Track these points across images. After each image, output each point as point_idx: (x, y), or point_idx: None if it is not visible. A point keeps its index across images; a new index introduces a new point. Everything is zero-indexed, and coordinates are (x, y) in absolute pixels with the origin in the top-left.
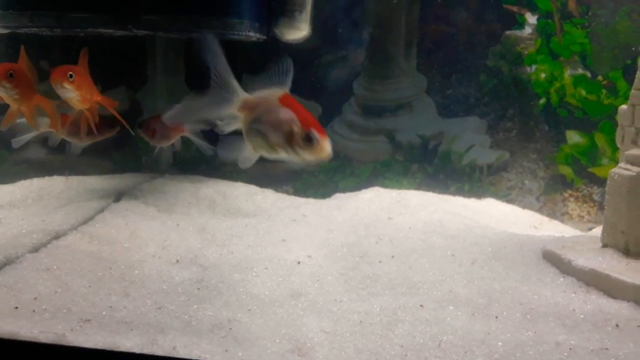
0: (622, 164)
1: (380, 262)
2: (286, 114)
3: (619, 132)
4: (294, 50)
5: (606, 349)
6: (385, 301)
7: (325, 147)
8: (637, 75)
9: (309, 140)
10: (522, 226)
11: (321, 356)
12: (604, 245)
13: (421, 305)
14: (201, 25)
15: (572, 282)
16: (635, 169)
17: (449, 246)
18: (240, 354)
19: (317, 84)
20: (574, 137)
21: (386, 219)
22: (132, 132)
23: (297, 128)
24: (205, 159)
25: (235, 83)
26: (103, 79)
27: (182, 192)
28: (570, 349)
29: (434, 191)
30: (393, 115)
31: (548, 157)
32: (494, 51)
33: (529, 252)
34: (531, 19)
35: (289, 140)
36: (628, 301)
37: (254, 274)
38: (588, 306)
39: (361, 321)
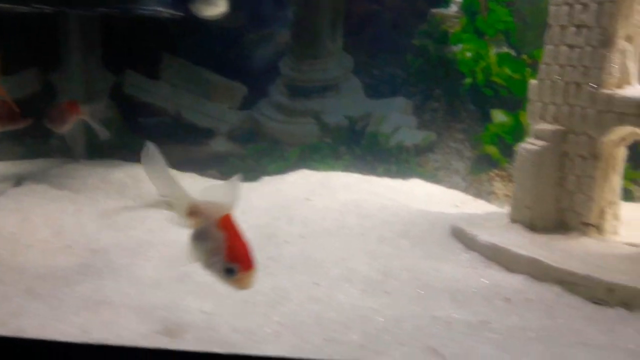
0: (529, 139)
1: (286, 242)
2: (216, 241)
3: (529, 108)
4: (217, 28)
5: (488, 322)
6: (279, 280)
7: (244, 282)
8: (543, 51)
9: (228, 272)
10: (445, 205)
11: (191, 337)
12: (513, 221)
13: (316, 283)
14: (108, 0)
15: (475, 258)
16: (541, 143)
17: (361, 225)
18: (97, 336)
19: (242, 64)
20: (499, 116)
21: (304, 200)
22: (27, 121)
23: (220, 258)
24: (127, 143)
25: (181, 190)
26: (9, 60)
27: (91, 177)
28: (449, 322)
29: (362, 173)
30: (320, 96)
31: (474, 137)
32: (421, 30)
33: (439, 230)
34: None
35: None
36: (523, 274)
37: (146, 258)
38: (484, 281)
39: (246, 301)
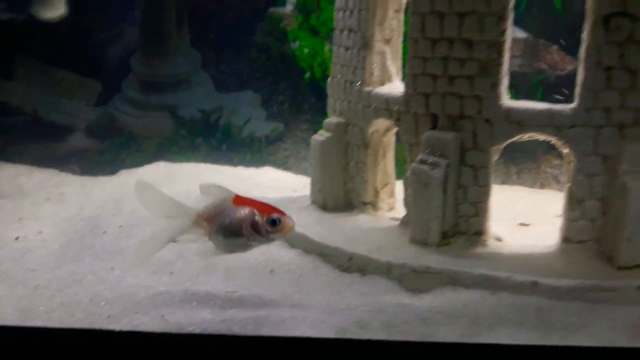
0: (320, 131)
1: (104, 232)
2: (242, 213)
3: (327, 103)
4: (68, 28)
5: (235, 291)
6: (80, 266)
7: (288, 223)
8: (333, 52)
9: (273, 224)
10: (286, 190)
11: None
12: (312, 203)
13: (112, 268)
14: None
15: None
16: (327, 134)
17: None
18: None
19: (94, 62)
20: None
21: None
22: None
23: (259, 218)
24: None
25: (181, 204)
26: None
27: None
28: (195, 294)
29: (218, 163)
30: (173, 91)
31: (318, 127)
32: (261, 28)
33: None
34: None
35: (257, 230)
36: (299, 249)
37: None
38: (263, 256)
39: (37, 285)
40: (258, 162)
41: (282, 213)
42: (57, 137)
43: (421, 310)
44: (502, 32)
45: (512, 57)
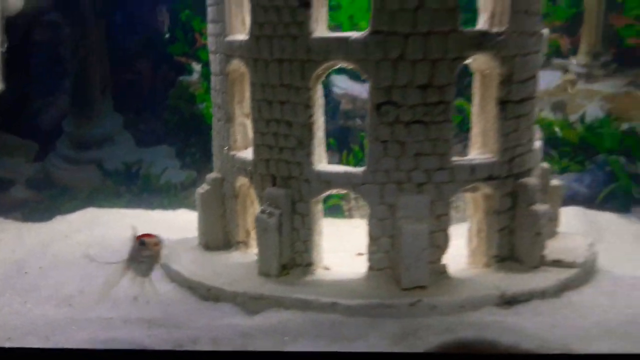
0: (203, 184)
1: (26, 272)
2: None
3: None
4: (9, 97)
5: (111, 317)
6: (0, 300)
7: (152, 242)
8: (212, 121)
9: (142, 245)
10: (194, 230)
11: None
12: (199, 243)
13: (25, 302)
14: None
15: (160, 276)
16: (207, 187)
17: (98, 255)
18: None
19: (32, 125)
20: None
21: (64, 237)
22: None
23: (135, 243)
24: None
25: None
26: None
27: None
28: (74, 319)
29: (140, 207)
30: (99, 147)
31: None
32: (173, 93)
33: None
34: (197, 67)
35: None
36: (175, 283)
37: None
38: (137, 289)
39: None
40: (174, 205)
41: (150, 236)
42: (1, 190)
43: (246, 327)
44: (310, 116)
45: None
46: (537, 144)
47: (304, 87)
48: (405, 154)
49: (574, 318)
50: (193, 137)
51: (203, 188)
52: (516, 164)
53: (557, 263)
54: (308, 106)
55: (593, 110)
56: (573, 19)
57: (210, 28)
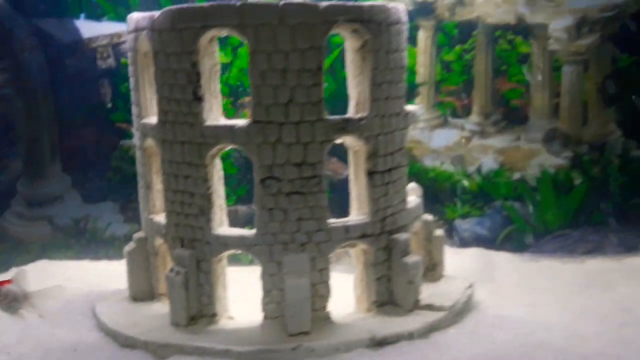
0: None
1: None
2: None
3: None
4: None
5: None
6: None
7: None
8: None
9: None
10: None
11: None
12: (129, 296)
13: None
14: None
15: (92, 323)
16: (133, 245)
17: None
18: None
19: None
20: None
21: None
22: None
23: None
24: None
25: None
26: None
27: None
28: None
29: (88, 258)
30: (50, 205)
31: None
32: (115, 155)
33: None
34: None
35: None
36: (102, 333)
37: None
38: (72, 337)
39: None
40: (119, 256)
41: (7, 282)
42: None
43: None
44: (209, 188)
45: None
46: (415, 201)
47: (202, 164)
48: (288, 219)
49: (432, 356)
50: (134, 194)
51: (130, 246)
52: (388, 222)
53: (429, 307)
54: (206, 180)
55: (488, 162)
56: (465, 84)
57: (133, 108)
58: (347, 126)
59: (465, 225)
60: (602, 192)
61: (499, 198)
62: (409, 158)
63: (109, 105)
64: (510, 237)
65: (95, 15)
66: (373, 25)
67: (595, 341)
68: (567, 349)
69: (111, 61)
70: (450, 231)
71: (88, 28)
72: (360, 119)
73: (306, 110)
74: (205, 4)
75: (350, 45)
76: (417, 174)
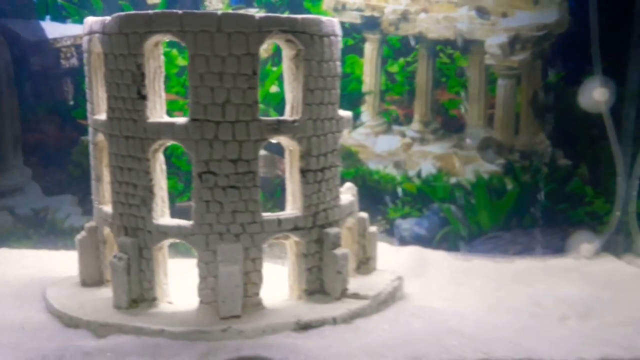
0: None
1: None
2: None
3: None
4: None
5: None
6: None
7: None
8: None
9: None
10: None
11: None
12: (80, 281)
13: None
14: None
15: (42, 307)
16: (84, 234)
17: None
18: None
19: None
20: None
21: None
22: None
23: None
24: None
25: None
26: None
27: None
28: None
29: (46, 248)
30: (11, 196)
31: None
32: (76, 150)
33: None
34: None
35: None
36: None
37: None
38: (21, 317)
39: None
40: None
41: None
42: None
43: (89, 348)
44: (150, 180)
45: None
46: (348, 199)
47: (144, 158)
48: (223, 211)
49: (350, 340)
50: None
51: (81, 234)
52: (320, 217)
53: (355, 295)
54: (147, 172)
55: (427, 167)
56: (408, 94)
57: (87, 105)
58: (280, 127)
59: (405, 225)
60: (532, 197)
61: (437, 200)
62: (341, 159)
63: (71, 102)
64: (447, 237)
65: (61, 17)
66: (305, 37)
67: (502, 330)
68: (474, 336)
69: (74, 61)
70: (392, 230)
71: (53, 29)
72: (294, 121)
73: (241, 110)
74: (150, 12)
75: (286, 53)
76: (363, 176)
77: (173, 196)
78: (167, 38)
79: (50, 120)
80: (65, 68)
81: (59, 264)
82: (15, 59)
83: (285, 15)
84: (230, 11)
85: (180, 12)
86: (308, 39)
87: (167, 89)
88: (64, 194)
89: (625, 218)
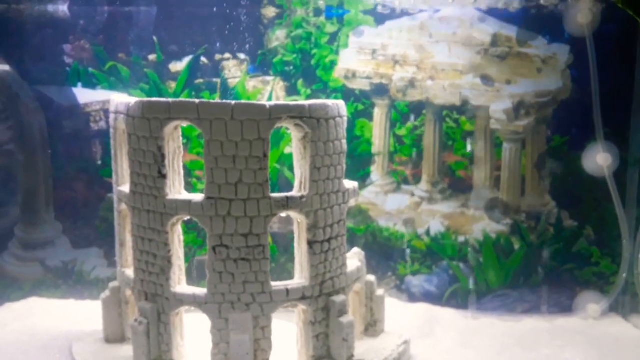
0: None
1: None
2: None
3: None
4: None
5: None
6: None
7: None
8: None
9: None
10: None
11: None
12: (104, 337)
13: None
14: None
15: None
16: (108, 293)
17: (21, 341)
18: None
19: None
20: None
21: (3, 325)
22: None
23: None
24: None
25: None
26: None
27: None
28: None
29: (74, 298)
30: (43, 249)
31: None
32: (103, 207)
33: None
34: None
35: None
36: None
37: None
38: None
39: None
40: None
41: None
42: None
43: None
44: (169, 251)
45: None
46: (355, 265)
47: (163, 231)
48: (235, 282)
49: None
50: None
51: (105, 294)
52: (327, 286)
53: None
54: (166, 244)
55: (435, 226)
56: (416, 156)
57: (113, 175)
58: (288, 203)
59: (415, 282)
60: (539, 256)
61: (446, 258)
62: (353, 216)
63: (99, 162)
64: (456, 294)
65: (91, 84)
66: (312, 121)
67: None
68: None
69: (103, 124)
70: (401, 286)
71: (84, 95)
72: (301, 197)
73: (253, 189)
74: (170, 100)
75: (294, 135)
76: (373, 232)
77: (193, 250)
78: (185, 124)
79: (80, 179)
80: (95, 131)
81: (85, 315)
82: (50, 122)
83: (294, 102)
84: (243, 101)
85: (197, 101)
86: (315, 123)
87: (189, 150)
88: (91, 247)
89: (632, 279)
